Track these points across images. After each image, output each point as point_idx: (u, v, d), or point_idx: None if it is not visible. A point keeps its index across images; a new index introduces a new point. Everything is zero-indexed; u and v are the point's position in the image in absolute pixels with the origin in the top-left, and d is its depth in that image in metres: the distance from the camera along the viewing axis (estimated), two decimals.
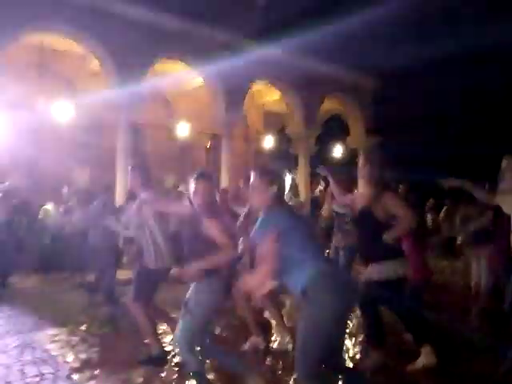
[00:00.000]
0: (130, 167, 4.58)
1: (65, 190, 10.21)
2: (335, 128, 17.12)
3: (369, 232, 4.05)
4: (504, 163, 3.91)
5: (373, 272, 3.98)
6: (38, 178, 10.57)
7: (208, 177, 3.43)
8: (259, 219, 2.79)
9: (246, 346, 4.60)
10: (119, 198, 10.23)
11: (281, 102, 15.20)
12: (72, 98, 10.84)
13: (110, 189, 6.78)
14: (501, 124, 13.90)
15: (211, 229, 3.20)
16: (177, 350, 3.57)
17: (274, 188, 2.83)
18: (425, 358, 4.01)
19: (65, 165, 10.94)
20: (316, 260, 2.70)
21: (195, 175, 3.38)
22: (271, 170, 3.01)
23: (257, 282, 2.70)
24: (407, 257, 5.16)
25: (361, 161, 4.36)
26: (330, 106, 16.02)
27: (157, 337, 4.26)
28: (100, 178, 11.20)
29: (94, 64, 11.44)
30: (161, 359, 4.12)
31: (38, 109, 10.59)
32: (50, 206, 9.48)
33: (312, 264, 2.67)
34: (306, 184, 15.26)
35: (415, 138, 15.23)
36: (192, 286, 3.33)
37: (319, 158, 16.25)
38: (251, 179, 2.91)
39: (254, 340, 4.62)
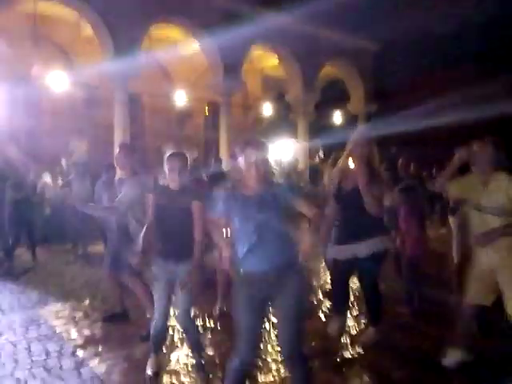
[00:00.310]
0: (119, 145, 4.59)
1: (63, 162, 10.19)
2: (335, 94, 16.89)
3: (358, 209, 4.03)
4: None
5: (360, 248, 3.97)
6: (35, 149, 10.49)
7: None
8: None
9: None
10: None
11: (280, 66, 14.96)
12: (67, 66, 10.70)
13: (112, 167, 6.71)
14: None
15: None
16: (178, 326, 3.73)
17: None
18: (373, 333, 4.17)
19: (62, 136, 10.86)
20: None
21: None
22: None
23: None
24: (404, 231, 5.26)
25: (353, 139, 4.21)
26: (329, 71, 15.78)
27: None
28: (98, 149, 11.19)
29: (88, 31, 11.20)
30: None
31: (33, 78, 10.42)
32: (48, 178, 9.45)
33: None
34: (305, 151, 15.23)
35: (417, 104, 15.01)
36: (181, 267, 3.42)
37: (319, 124, 16.15)
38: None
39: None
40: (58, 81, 9.27)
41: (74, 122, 11.49)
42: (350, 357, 3.95)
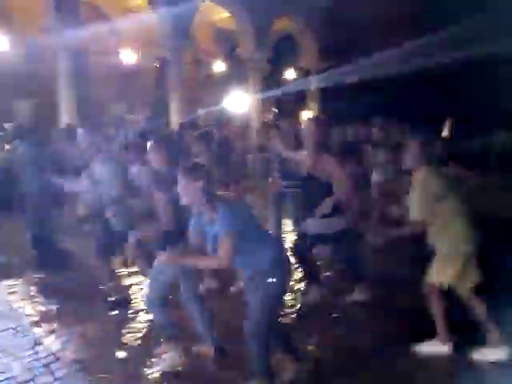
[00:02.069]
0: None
1: (7, 126, 9.85)
2: (287, 48, 16.81)
3: (315, 192, 4.36)
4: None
5: (317, 226, 4.36)
6: None
7: None
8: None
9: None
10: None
11: (232, 19, 14.66)
12: (6, 24, 10.09)
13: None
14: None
15: None
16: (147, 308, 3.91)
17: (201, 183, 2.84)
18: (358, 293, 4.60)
19: (4, 98, 10.40)
20: None
21: None
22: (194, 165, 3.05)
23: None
24: None
25: (306, 124, 4.57)
26: (281, 25, 15.61)
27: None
28: (43, 110, 10.84)
29: None
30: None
31: None
32: None
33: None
34: (257, 107, 15.27)
35: (369, 61, 15.16)
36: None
37: (271, 79, 16.13)
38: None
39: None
40: None
41: (16, 82, 10.99)
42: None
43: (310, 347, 3.83)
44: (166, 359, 3.56)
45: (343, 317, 4.38)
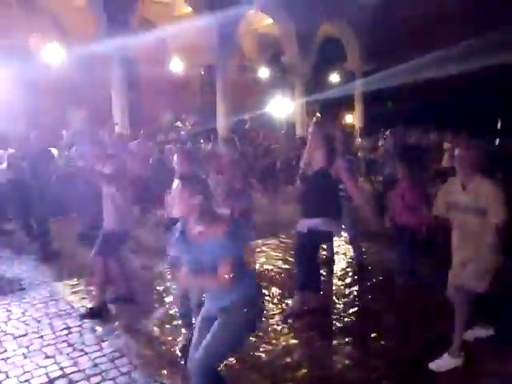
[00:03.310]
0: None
1: (64, 133, 10.35)
2: (331, 52, 16.76)
3: (322, 190, 4.39)
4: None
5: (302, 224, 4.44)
6: (37, 125, 10.56)
7: None
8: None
9: None
10: None
11: (276, 25, 14.78)
12: (62, 37, 10.62)
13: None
14: None
15: None
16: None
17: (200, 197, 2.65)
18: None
19: (61, 108, 10.93)
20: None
21: None
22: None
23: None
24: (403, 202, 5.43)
25: (312, 128, 4.66)
26: (326, 29, 15.61)
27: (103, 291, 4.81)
28: (98, 117, 11.28)
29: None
30: (97, 313, 4.62)
31: (30, 50, 10.40)
32: (55, 152, 9.59)
33: None
34: (302, 112, 15.32)
35: (415, 59, 14.90)
36: None
37: (316, 83, 16.13)
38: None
39: None
40: (54, 53, 9.26)
41: (72, 92, 11.53)
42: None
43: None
44: None
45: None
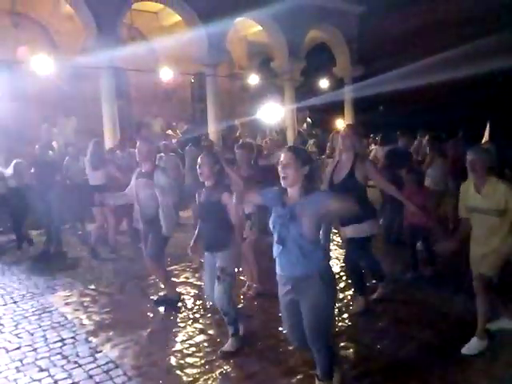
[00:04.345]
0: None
1: (54, 144, 10.28)
2: (321, 57, 16.85)
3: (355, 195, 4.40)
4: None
5: (348, 230, 4.54)
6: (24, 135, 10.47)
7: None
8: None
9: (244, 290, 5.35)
10: (108, 143, 10.30)
11: (264, 32, 14.85)
12: (50, 45, 10.58)
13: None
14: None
15: None
16: (218, 308, 4.04)
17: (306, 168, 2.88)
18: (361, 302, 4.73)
19: (50, 117, 10.84)
20: None
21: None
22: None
23: None
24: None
25: (342, 132, 4.75)
26: (315, 35, 15.69)
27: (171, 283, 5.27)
28: (87, 123, 11.22)
29: (68, 7, 11.03)
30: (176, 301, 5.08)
31: (17, 61, 10.35)
32: None
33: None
34: (292, 117, 15.36)
35: (404, 65, 15.07)
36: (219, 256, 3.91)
37: (305, 89, 16.19)
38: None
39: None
40: (42, 64, 9.21)
41: (60, 103, 11.47)
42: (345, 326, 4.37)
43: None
44: None
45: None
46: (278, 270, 3.00)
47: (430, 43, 14.15)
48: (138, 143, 4.91)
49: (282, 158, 2.88)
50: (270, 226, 2.95)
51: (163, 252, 5.04)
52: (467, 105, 14.88)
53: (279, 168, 2.88)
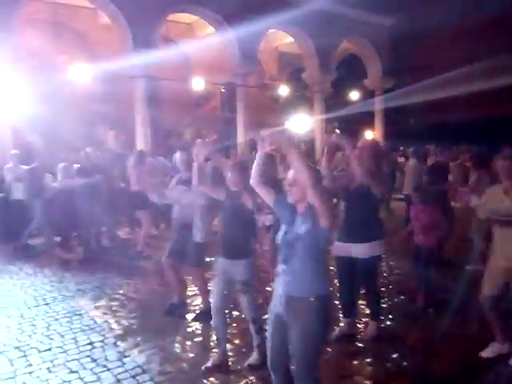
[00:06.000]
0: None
1: (88, 149, 10.51)
2: (352, 70, 16.83)
3: (367, 209, 4.24)
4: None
5: (359, 250, 4.21)
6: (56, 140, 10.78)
7: None
8: None
9: None
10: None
11: (296, 43, 14.95)
12: (88, 55, 10.91)
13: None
14: None
15: None
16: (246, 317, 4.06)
17: None
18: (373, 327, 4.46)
19: (85, 126, 11.14)
20: None
21: None
22: None
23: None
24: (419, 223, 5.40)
25: (359, 148, 4.41)
26: (346, 47, 15.72)
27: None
28: (120, 135, 11.53)
29: (107, 18, 11.39)
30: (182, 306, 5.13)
31: (58, 69, 10.69)
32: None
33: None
34: (321, 128, 15.37)
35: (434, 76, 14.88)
36: (239, 265, 3.84)
37: (335, 100, 16.19)
38: None
39: None
40: (81, 72, 9.54)
41: (96, 110, 11.80)
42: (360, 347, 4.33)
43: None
44: None
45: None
46: (275, 287, 2.89)
47: (462, 54, 13.93)
48: (178, 153, 5.04)
49: (289, 175, 2.85)
50: (277, 241, 2.88)
51: (203, 260, 5.13)
52: (505, 118, 14.56)
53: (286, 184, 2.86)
